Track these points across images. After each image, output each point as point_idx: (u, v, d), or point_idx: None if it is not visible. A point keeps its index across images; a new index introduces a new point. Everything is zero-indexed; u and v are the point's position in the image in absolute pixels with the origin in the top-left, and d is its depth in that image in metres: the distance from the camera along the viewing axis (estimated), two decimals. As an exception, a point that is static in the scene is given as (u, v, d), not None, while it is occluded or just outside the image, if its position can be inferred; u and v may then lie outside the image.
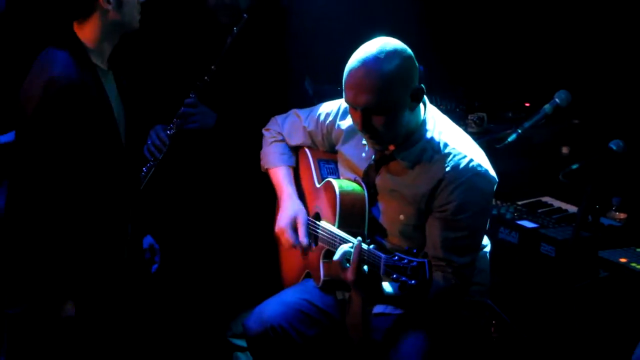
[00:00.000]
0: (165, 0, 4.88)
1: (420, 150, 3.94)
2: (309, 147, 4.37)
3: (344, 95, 3.89)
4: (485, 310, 4.23)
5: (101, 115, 3.82)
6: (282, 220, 4.23)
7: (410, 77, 3.82)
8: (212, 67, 4.67)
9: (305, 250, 4.21)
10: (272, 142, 4.43)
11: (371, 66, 3.78)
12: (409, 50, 3.85)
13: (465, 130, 4.19)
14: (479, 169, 3.90)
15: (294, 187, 4.33)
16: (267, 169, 4.41)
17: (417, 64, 3.86)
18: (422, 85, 3.87)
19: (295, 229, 4.20)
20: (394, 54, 3.80)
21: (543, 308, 4.59)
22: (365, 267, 3.69)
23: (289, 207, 4.25)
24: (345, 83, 3.86)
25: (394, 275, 3.54)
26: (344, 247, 3.81)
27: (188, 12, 4.93)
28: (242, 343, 4.87)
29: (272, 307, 4.15)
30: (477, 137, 4.14)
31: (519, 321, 4.68)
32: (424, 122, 3.96)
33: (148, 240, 4.29)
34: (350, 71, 3.83)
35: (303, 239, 4.18)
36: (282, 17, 5.00)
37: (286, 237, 4.20)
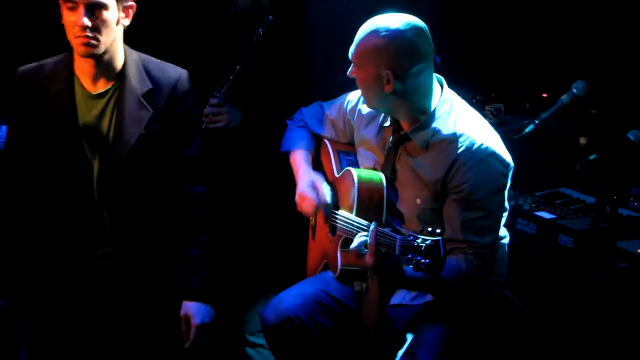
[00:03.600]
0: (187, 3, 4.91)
1: (434, 131, 3.96)
2: (329, 139, 4.39)
3: None
4: (503, 302, 4.22)
5: (50, 113, 4.02)
6: (301, 185, 4.25)
7: (390, 54, 3.88)
8: (237, 67, 4.69)
9: (326, 213, 4.23)
10: (294, 128, 4.47)
11: (366, 26, 3.96)
12: (415, 41, 3.88)
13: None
14: (492, 150, 3.92)
15: (310, 167, 4.35)
16: (286, 152, 4.44)
17: (417, 54, 3.90)
18: (394, 76, 3.88)
19: (315, 190, 4.21)
20: (394, 32, 3.88)
21: (561, 299, 4.57)
22: (383, 250, 3.70)
23: (306, 175, 4.28)
24: None
25: (409, 255, 3.55)
26: (361, 236, 3.82)
27: (209, 14, 4.95)
28: (256, 340, 4.88)
29: (289, 298, 4.15)
30: (495, 127, 4.12)
31: (536, 312, 4.66)
32: (440, 104, 3.99)
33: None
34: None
35: (324, 197, 4.20)
36: (301, 13, 5.01)
37: (308, 198, 4.21)
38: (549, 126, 5.05)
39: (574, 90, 4.54)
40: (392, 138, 4.07)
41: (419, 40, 3.89)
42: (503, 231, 4.13)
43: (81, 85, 4.04)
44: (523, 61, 5.67)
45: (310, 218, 4.40)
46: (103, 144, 4.03)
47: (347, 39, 4.07)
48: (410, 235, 3.58)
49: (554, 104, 4.55)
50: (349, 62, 4.03)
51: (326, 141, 4.40)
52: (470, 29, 5.62)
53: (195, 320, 4.13)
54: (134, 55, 4.09)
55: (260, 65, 4.79)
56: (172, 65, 4.16)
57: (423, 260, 3.50)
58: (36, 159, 4.07)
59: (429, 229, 3.56)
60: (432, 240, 3.51)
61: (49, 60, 4.11)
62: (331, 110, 4.39)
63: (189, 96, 4.15)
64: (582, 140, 5.22)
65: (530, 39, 5.65)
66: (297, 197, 4.25)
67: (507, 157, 3.95)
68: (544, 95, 5.48)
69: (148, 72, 4.06)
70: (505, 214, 4.07)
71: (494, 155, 3.91)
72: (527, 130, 4.51)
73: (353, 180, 4.06)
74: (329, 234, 4.22)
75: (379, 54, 3.88)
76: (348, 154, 4.34)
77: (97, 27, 3.89)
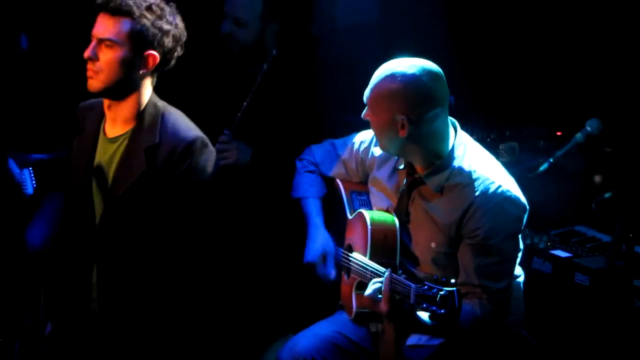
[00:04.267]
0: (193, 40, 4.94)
1: (449, 175, 3.96)
2: (341, 180, 4.39)
3: None
4: (520, 341, 4.20)
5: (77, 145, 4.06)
6: (310, 254, 4.24)
7: (405, 99, 3.88)
8: (244, 103, 4.71)
9: (330, 285, 4.21)
10: (303, 172, 4.47)
11: (382, 70, 3.94)
12: (430, 86, 3.88)
13: (497, 159, 4.19)
14: (508, 194, 3.90)
15: (322, 219, 4.34)
16: (296, 199, 4.44)
17: (433, 99, 3.89)
18: (409, 121, 3.87)
19: (325, 262, 4.21)
20: (408, 78, 3.87)
21: (578, 338, 4.55)
22: (397, 297, 3.69)
23: (317, 239, 4.26)
24: None
25: (424, 305, 3.55)
26: (375, 282, 3.81)
27: (215, 49, 4.98)
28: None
29: (305, 339, 4.15)
30: (509, 166, 4.12)
31: (554, 352, 4.64)
32: (454, 147, 3.98)
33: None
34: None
35: (329, 271, 4.21)
36: (312, 48, 5.03)
37: (317, 270, 4.22)
38: (564, 164, 5.03)
39: (588, 129, 4.55)
40: (406, 181, 4.07)
41: (435, 85, 3.89)
42: (518, 270, 4.11)
43: (104, 128, 4.03)
44: (537, 99, 5.66)
45: None
46: (106, 188, 3.99)
47: (358, 76, 4.09)
48: (424, 285, 3.57)
49: (568, 142, 4.55)
50: (360, 100, 4.03)
51: (338, 181, 4.40)
52: (483, 67, 5.63)
53: None
54: (157, 106, 3.99)
55: (268, 101, 4.81)
56: (191, 127, 4.01)
57: (439, 311, 3.50)
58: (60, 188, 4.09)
59: (443, 279, 3.56)
60: (446, 291, 3.51)
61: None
62: (343, 149, 4.39)
63: (191, 162, 3.91)
64: (597, 179, 5.20)
65: (544, 77, 5.65)
66: (305, 262, 4.25)
67: (523, 200, 3.94)
68: (558, 133, 5.47)
69: (162, 127, 3.95)
70: (520, 253, 4.06)
71: (509, 200, 3.90)
72: (541, 168, 4.51)
73: (366, 222, 4.05)
74: (344, 276, 4.21)
75: (394, 99, 3.88)
76: (360, 193, 4.33)
77: (99, 63, 3.86)
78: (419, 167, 4.01)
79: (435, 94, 3.89)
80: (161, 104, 4.02)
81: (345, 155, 4.38)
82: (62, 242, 4.10)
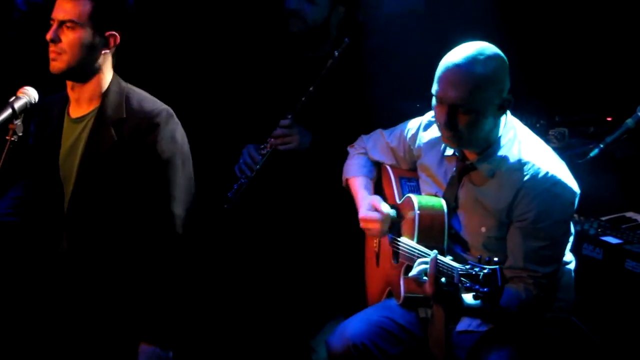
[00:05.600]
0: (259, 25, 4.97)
1: (500, 160, 3.94)
2: (390, 165, 4.39)
3: (433, 88, 3.90)
4: (571, 328, 4.18)
5: (39, 130, 4.10)
6: (361, 211, 4.24)
7: (503, 85, 3.86)
8: (310, 88, 4.70)
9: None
10: (354, 155, 4.49)
11: (467, 65, 3.82)
12: (506, 60, 3.89)
13: (547, 144, 4.16)
14: (557, 178, 3.88)
15: (371, 193, 4.34)
16: (346, 179, 4.46)
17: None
18: (511, 96, 3.87)
19: (375, 210, 4.20)
20: (492, 58, 3.85)
21: (629, 325, 4.52)
22: (443, 279, 3.69)
23: (364, 200, 4.27)
24: (437, 77, 3.88)
25: (468, 284, 3.56)
26: (420, 263, 3.81)
27: (278, 36, 4.99)
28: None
29: (355, 324, 4.16)
30: (559, 152, 4.10)
31: (604, 339, 4.61)
32: (504, 133, 3.97)
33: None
34: (447, 66, 3.86)
35: (386, 210, 4.18)
36: (360, 34, 5.03)
37: (370, 220, 4.20)
38: (614, 150, 5.00)
39: (639, 114, 4.50)
40: (456, 167, 4.06)
41: (507, 66, 3.90)
42: (569, 256, 4.10)
43: (68, 111, 4.08)
44: (587, 84, 5.62)
45: (374, 244, 4.40)
46: (74, 168, 4.03)
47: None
48: (468, 264, 3.58)
49: (618, 128, 4.51)
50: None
51: (388, 167, 4.41)
52: (533, 52, 5.60)
53: None
54: (120, 85, 4.05)
55: (333, 88, 4.80)
56: (156, 101, 4.06)
57: (481, 289, 3.50)
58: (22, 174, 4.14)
59: (487, 258, 3.56)
60: (489, 269, 3.51)
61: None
62: (392, 138, 4.39)
63: (159, 132, 3.95)
64: (648, 164, 5.17)
65: (595, 62, 5.61)
66: (361, 224, 4.25)
67: (574, 184, 3.92)
68: (609, 119, 5.43)
69: (127, 103, 4.01)
70: (571, 239, 4.04)
71: (559, 184, 3.88)
72: (592, 154, 4.47)
73: (413, 207, 4.05)
74: (392, 261, 4.21)
75: (496, 83, 3.84)
76: (410, 179, 4.34)
77: (61, 44, 3.90)
78: (470, 153, 4.00)
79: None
80: (124, 83, 4.08)
81: (394, 143, 4.38)
82: (22, 214, 4.15)
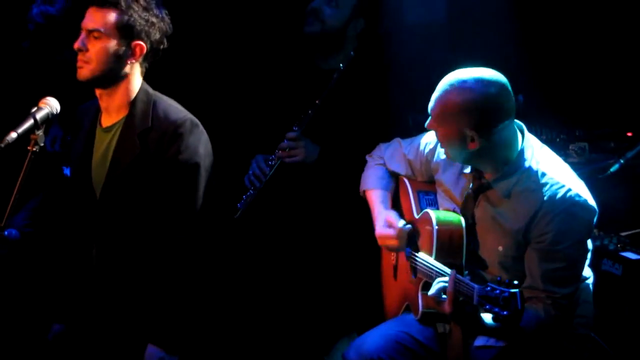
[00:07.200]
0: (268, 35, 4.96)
1: (517, 180, 3.92)
2: (408, 177, 4.38)
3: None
4: (590, 344, 4.16)
5: (74, 140, 4.20)
6: (377, 227, 4.25)
7: (475, 115, 3.83)
8: (317, 101, 4.71)
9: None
10: (373, 166, 4.48)
11: (448, 82, 3.87)
12: (497, 89, 3.84)
13: (567, 160, 4.15)
14: (577, 198, 3.85)
15: (388, 207, 4.34)
16: (364, 191, 4.45)
17: (501, 111, 3.85)
18: (478, 136, 3.85)
19: (391, 227, 4.20)
20: (478, 91, 3.82)
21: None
22: (461, 298, 3.68)
23: (381, 215, 4.27)
24: None
25: (487, 306, 3.55)
26: (439, 282, 3.81)
27: (290, 46, 4.99)
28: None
29: (372, 339, 4.15)
30: (579, 167, 4.09)
31: (623, 355, 4.59)
32: (521, 152, 3.95)
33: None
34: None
35: (402, 226, 4.18)
36: (381, 47, 5.02)
37: (386, 237, 4.21)
38: (635, 165, 4.99)
39: (660, 129, 4.49)
40: (472, 185, 4.05)
41: (503, 97, 3.85)
42: (587, 272, 4.07)
43: (100, 120, 4.14)
44: (608, 100, 5.61)
45: (392, 257, 4.40)
46: (103, 177, 4.09)
47: (428, 76, 4.07)
48: (487, 286, 3.57)
49: (639, 143, 4.49)
50: (426, 99, 4.00)
51: (405, 180, 4.39)
52: (553, 67, 5.58)
53: None
54: (148, 94, 4.11)
55: (341, 100, 4.80)
56: (181, 110, 4.11)
57: (502, 313, 3.49)
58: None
59: (506, 280, 3.54)
60: (509, 292, 3.50)
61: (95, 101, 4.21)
62: (409, 150, 4.38)
63: (182, 142, 4.01)
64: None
65: (615, 77, 5.60)
66: (378, 241, 4.25)
67: (592, 203, 3.88)
68: (629, 134, 5.42)
69: (153, 112, 4.06)
70: (589, 255, 4.02)
71: (578, 204, 3.85)
72: (612, 169, 4.47)
73: (432, 222, 4.04)
74: (411, 275, 4.21)
75: (462, 114, 3.83)
76: (427, 193, 4.32)
77: (88, 53, 3.96)
78: (487, 173, 3.99)
79: (503, 106, 3.85)
80: (152, 91, 4.13)
81: (411, 156, 4.37)
82: (37, 225, 4.20)
